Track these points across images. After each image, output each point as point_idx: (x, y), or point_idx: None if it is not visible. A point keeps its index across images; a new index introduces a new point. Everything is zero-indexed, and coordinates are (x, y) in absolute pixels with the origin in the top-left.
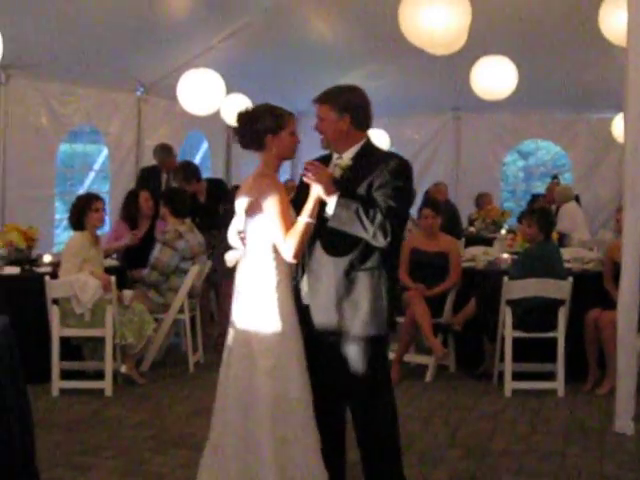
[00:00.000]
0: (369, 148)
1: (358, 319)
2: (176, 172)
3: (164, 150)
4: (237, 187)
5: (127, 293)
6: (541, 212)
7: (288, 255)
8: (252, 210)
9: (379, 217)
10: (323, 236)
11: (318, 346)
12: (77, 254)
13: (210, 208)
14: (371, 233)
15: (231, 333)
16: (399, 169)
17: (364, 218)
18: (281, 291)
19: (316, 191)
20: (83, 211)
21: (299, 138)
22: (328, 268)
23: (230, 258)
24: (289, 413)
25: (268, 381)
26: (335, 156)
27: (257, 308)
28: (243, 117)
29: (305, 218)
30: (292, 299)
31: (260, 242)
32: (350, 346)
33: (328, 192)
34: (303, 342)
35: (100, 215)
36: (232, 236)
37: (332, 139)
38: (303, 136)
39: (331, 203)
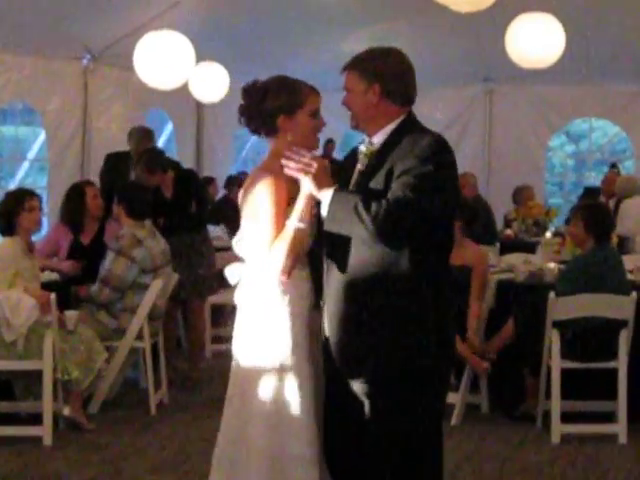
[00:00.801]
0: (407, 127)
1: (379, 356)
2: (136, 160)
3: (144, 135)
4: (210, 179)
5: (71, 315)
6: (588, 208)
7: (274, 271)
8: (248, 212)
9: (383, 211)
10: (335, 246)
11: (337, 392)
12: (7, 266)
13: (178, 206)
14: (371, 232)
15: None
16: (430, 150)
17: (364, 215)
18: (291, 315)
19: (306, 186)
20: (13, 211)
21: (324, 120)
22: (340, 288)
23: (232, 273)
24: (289, 476)
25: (264, 432)
26: (364, 140)
27: (258, 335)
28: (249, 92)
29: (294, 222)
30: (306, 326)
31: (261, 252)
32: (373, 393)
33: (319, 186)
34: (320, 384)
35: (35, 216)
36: (237, 244)
37: (360, 115)
38: None
39: (325, 200)
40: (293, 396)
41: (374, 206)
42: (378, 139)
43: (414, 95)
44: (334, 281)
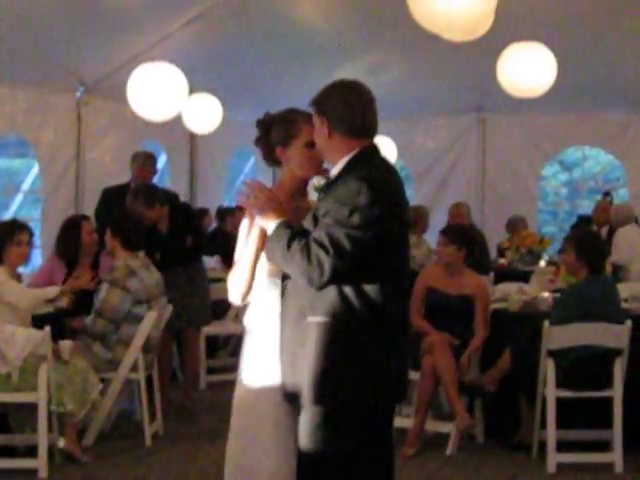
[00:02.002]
0: (355, 163)
1: (305, 382)
2: (135, 194)
3: (148, 159)
4: (204, 211)
5: (65, 345)
6: (580, 237)
7: (232, 297)
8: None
9: (297, 253)
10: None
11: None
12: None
13: (174, 240)
14: (299, 271)
15: None
16: (349, 192)
17: (295, 252)
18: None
19: (258, 218)
20: (2, 242)
21: (320, 152)
22: (285, 315)
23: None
24: None
25: (233, 445)
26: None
27: (264, 357)
28: (259, 125)
29: (248, 252)
30: None
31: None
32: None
33: (266, 218)
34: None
35: (23, 250)
36: None
37: (321, 150)
38: None
39: (269, 232)
40: (263, 412)
41: (294, 245)
42: (334, 172)
43: (366, 127)
44: (289, 306)
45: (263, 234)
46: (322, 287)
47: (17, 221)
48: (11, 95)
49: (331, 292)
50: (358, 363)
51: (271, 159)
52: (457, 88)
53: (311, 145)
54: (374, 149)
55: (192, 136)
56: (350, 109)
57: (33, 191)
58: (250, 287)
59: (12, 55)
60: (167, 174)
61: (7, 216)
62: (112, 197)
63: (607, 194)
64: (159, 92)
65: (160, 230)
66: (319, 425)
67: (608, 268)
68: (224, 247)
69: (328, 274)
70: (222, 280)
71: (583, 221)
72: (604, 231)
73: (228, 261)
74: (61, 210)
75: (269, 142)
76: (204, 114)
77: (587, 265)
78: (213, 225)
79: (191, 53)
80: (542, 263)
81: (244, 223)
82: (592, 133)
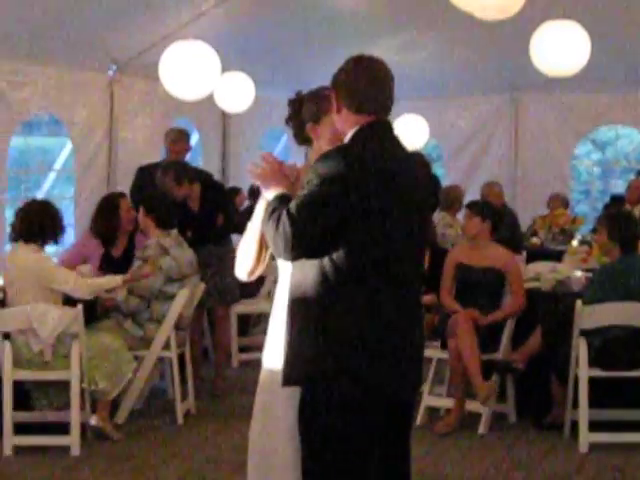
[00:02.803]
0: (353, 137)
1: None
2: (165, 171)
3: (182, 135)
4: (236, 190)
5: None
6: (612, 217)
7: (240, 272)
8: None
9: (274, 222)
10: None
11: None
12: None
13: (205, 219)
14: (271, 241)
15: None
16: (323, 164)
17: (270, 222)
18: None
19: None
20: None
21: None
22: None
23: None
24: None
25: (254, 424)
26: None
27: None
28: (291, 104)
29: (252, 226)
30: None
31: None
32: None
33: (267, 188)
34: None
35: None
36: None
37: (336, 125)
38: None
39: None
40: (280, 394)
41: (273, 215)
42: None
43: (373, 103)
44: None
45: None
46: (291, 258)
47: (48, 202)
48: (43, 74)
49: (311, 269)
50: (331, 339)
51: (302, 137)
52: (490, 67)
53: None
54: (377, 125)
55: (224, 115)
56: (356, 84)
57: (66, 170)
58: (258, 262)
59: (44, 34)
60: (199, 153)
61: (40, 194)
62: (146, 175)
63: None
64: (191, 71)
65: (191, 208)
66: (298, 407)
67: None
68: None
69: (291, 244)
70: None
71: (616, 200)
72: (637, 210)
73: None
74: (94, 189)
75: (300, 120)
76: (236, 93)
77: (619, 245)
78: (245, 204)
79: (223, 32)
80: (575, 242)
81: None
82: (625, 112)
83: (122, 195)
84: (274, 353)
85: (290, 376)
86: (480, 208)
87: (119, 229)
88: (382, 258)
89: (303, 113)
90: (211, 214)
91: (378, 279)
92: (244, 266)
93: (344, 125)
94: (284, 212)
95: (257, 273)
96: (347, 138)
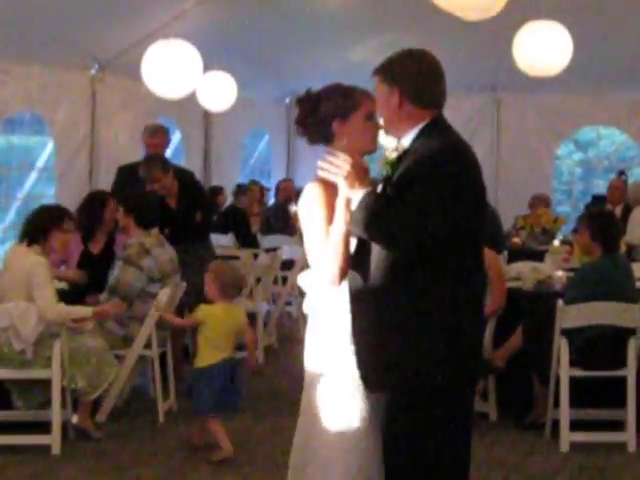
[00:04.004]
0: (430, 131)
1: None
2: (149, 161)
3: (159, 129)
4: (217, 189)
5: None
6: (594, 216)
7: (325, 280)
8: (304, 224)
9: (372, 218)
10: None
11: None
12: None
13: (183, 216)
14: (383, 237)
15: None
16: (429, 156)
17: (380, 218)
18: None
19: (342, 188)
20: (47, 228)
21: (380, 123)
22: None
23: (305, 282)
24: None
25: (301, 418)
26: (392, 147)
27: (326, 345)
28: (303, 101)
29: (337, 226)
30: None
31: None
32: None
33: (352, 187)
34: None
35: (66, 239)
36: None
37: (386, 120)
38: None
39: (355, 201)
40: (363, 411)
41: (383, 211)
42: (403, 143)
43: (438, 97)
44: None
45: (349, 205)
46: (404, 253)
47: (64, 208)
48: (26, 73)
49: (406, 273)
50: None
51: (320, 135)
52: (472, 67)
53: (371, 117)
54: (443, 119)
55: (206, 114)
56: (422, 78)
57: (47, 168)
58: (346, 265)
59: (27, 33)
60: (181, 152)
61: (21, 193)
62: (126, 175)
63: (622, 173)
64: (173, 70)
65: (169, 205)
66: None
67: (622, 247)
68: (238, 225)
69: (411, 240)
70: (236, 258)
71: (597, 200)
72: (618, 210)
73: (241, 239)
74: (75, 187)
75: (319, 118)
76: (218, 92)
77: (601, 244)
78: (227, 203)
79: (206, 31)
80: (556, 242)
81: (313, 198)
82: (607, 112)
83: (111, 194)
84: (318, 354)
85: (387, 380)
86: None
87: (101, 226)
88: (476, 254)
89: (325, 109)
90: (189, 212)
91: (475, 274)
92: (336, 272)
93: (405, 121)
94: (399, 208)
95: (344, 277)
96: (411, 133)
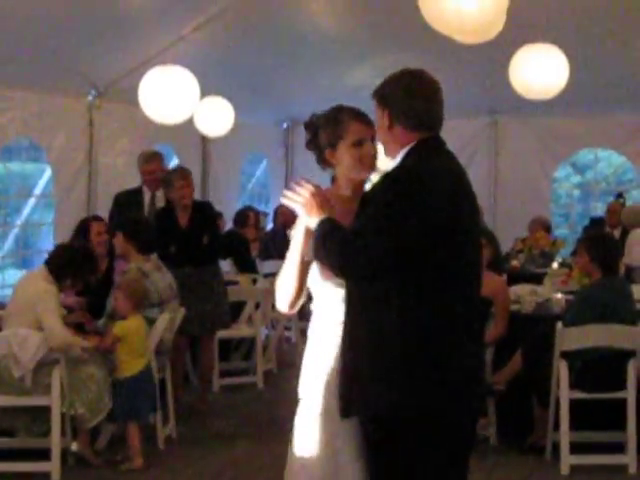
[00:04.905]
0: (415, 153)
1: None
2: (171, 171)
3: (153, 156)
4: (218, 214)
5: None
6: (592, 240)
7: (277, 305)
8: None
9: (336, 247)
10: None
11: None
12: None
13: (191, 236)
14: (336, 265)
15: None
16: (386, 178)
17: (329, 245)
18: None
19: (302, 217)
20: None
21: (371, 149)
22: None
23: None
24: None
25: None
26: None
27: (316, 371)
28: (307, 128)
29: (291, 254)
30: None
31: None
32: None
33: (310, 215)
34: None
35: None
36: None
37: (381, 142)
38: (303, 151)
39: (313, 229)
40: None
41: (335, 237)
42: (391, 166)
43: (428, 119)
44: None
45: (309, 233)
46: (357, 279)
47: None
48: (23, 99)
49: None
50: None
51: (324, 161)
52: (469, 90)
53: (359, 144)
54: (433, 141)
55: (204, 139)
56: (411, 100)
57: (45, 195)
58: (299, 293)
59: (24, 59)
60: None
61: (20, 220)
62: (124, 201)
63: (620, 196)
64: (171, 95)
65: (179, 223)
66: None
67: (621, 269)
68: (237, 250)
69: (363, 267)
70: (235, 283)
71: (596, 223)
72: (617, 233)
73: (240, 264)
74: (74, 214)
75: (318, 145)
76: (216, 117)
77: (600, 267)
78: (226, 228)
79: (203, 56)
80: (555, 265)
81: (296, 227)
82: (604, 135)
83: (94, 218)
84: (308, 381)
85: (373, 406)
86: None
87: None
88: (452, 281)
89: (320, 138)
90: (198, 232)
91: (450, 302)
92: (285, 298)
93: (395, 142)
94: (347, 234)
95: (298, 305)
96: (400, 155)
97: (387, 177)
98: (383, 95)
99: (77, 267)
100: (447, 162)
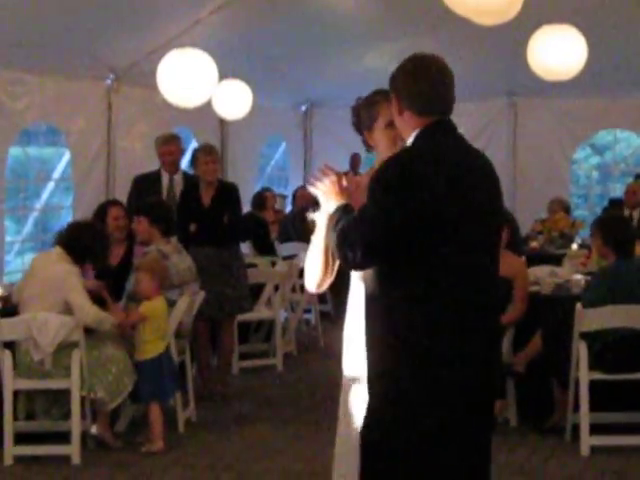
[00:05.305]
0: (419, 138)
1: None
2: (197, 148)
3: (170, 138)
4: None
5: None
6: (605, 221)
7: (307, 285)
8: None
9: (342, 234)
10: None
11: None
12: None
13: (213, 214)
14: (337, 253)
15: None
16: (377, 173)
17: (335, 234)
18: None
19: (322, 203)
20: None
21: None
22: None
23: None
24: None
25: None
26: None
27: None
28: (352, 113)
29: (316, 238)
30: None
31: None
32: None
33: (328, 202)
34: None
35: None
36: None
37: (398, 128)
38: (321, 133)
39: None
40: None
41: (339, 226)
42: None
43: (436, 103)
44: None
45: (330, 219)
46: (358, 268)
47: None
48: (41, 84)
49: (374, 279)
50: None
51: (365, 143)
52: (488, 72)
53: (390, 125)
54: (437, 125)
55: (222, 122)
56: (416, 84)
57: (64, 179)
58: (326, 274)
59: (42, 44)
60: None
61: (39, 204)
62: (143, 185)
63: (638, 177)
64: (189, 79)
65: (202, 201)
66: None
67: (638, 250)
68: (256, 233)
69: (358, 254)
70: (254, 265)
71: (614, 204)
72: (636, 214)
73: (259, 246)
74: (92, 198)
75: (359, 127)
76: (234, 100)
77: (614, 249)
78: (244, 211)
79: (221, 39)
80: (574, 246)
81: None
82: (623, 116)
83: (113, 202)
84: (350, 362)
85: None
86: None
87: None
88: (449, 268)
89: (359, 122)
90: (219, 211)
91: (442, 294)
92: (312, 279)
93: (407, 127)
94: (348, 223)
95: (325, 285)
96: (409, 140)
97: (381, 165)
98: (392, 81)
99: (96, 247)
100: (450, 146)
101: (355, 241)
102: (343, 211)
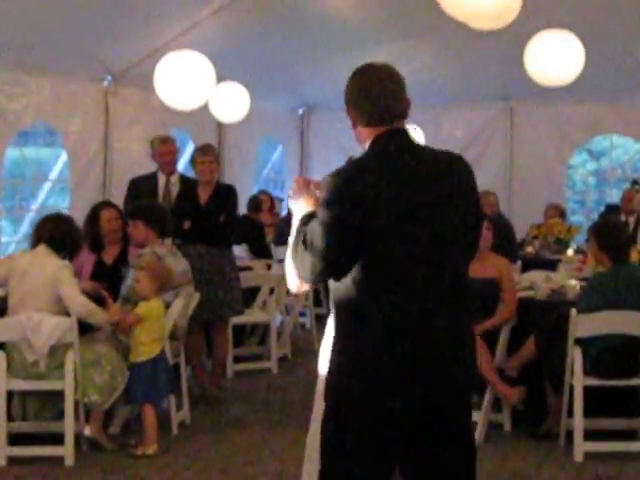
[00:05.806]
0: (368, 150)
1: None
2: (202, 148)
3: (165, 140)
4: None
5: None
6: (600, 227)
7: (289, 286)
8: None
9: (295, 247)
10: None
11: None
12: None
13: (208, 212)
14: (293, 264)
15: None
16: (329, 183)
17: (293, 246)
18: None
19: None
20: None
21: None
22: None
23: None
24: None
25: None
26: None
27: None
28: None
29: (290, 242)
30: None
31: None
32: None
33: (295, 207)
34: None
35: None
36: None
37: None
38: (317, 137)
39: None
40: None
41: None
42: None
43: (374, 114)
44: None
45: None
46: (312, 282)
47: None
48: (39, 85)
49: (337, 287)
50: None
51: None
52: (485, 77)
53: None
54: (388, 134)
55: (220, 125)
56: (360, 100)
57: (61, 180)
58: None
59: (40, 45)
60: None
61: (35, 205)
62: (139, 187)
63: (635, 183)
64: (186, 81)
65: (199, 198)
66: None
67: (635, 256)
68: (251, 236)
69: (308, 270)
70: (249, 268)
71: (611, 210)
72: (632, 220)
73: (255, 249)
74: (89, 199)
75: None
76: (231, 103)
77: (609, 255)
78: (240, 214)
79: (218, 42)
80: (570, 252)
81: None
82: (620, 121)
83: (106, 204)
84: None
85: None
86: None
87: (101, 237)
88: (394, 271)
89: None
90: (215, 209)
91: (389, 293)
92: (292, 280)
93: (362, 139)
94: (300, 237)
95: (305, 287)
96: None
97: (327, 178)
98: (344, 95)
99: (71, 236)
100: (396, 154)
101: (305, 255)
102: (304, 221)
